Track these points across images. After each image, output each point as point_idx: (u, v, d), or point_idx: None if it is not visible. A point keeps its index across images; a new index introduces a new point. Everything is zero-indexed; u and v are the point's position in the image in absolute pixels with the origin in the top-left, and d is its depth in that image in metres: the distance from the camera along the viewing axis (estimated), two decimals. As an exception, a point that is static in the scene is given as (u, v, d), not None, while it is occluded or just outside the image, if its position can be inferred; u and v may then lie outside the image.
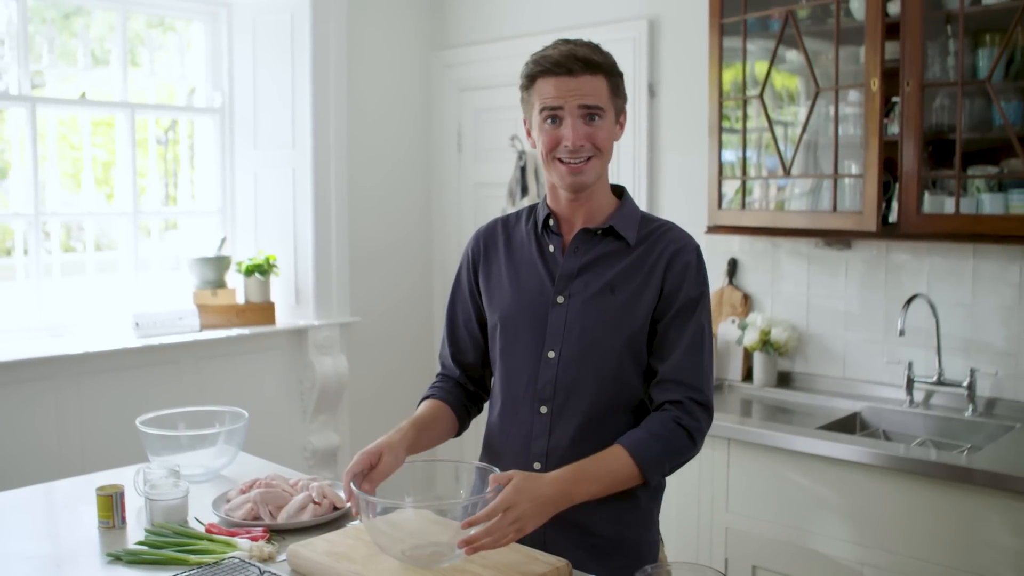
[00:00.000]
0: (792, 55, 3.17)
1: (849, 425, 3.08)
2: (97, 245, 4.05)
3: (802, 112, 3.14)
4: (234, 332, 3.87)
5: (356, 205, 4.26)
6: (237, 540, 1.85)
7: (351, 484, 1.68)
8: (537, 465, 1.86)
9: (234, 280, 4.07)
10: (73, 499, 2.24)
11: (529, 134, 1.88)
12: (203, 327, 3.86)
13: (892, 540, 2.60)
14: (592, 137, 1.79)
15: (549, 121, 1.80)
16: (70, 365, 3.44)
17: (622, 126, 1.88)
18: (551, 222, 1.91)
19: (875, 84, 2.84)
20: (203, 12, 4.12)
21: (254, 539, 1.85)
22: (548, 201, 1.93)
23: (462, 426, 2.05)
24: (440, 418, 1.98)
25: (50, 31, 3.70)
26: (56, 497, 2.29)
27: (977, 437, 2.90)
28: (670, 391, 1.80)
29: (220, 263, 4.00)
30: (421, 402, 2.02)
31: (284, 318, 4.12)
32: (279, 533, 1.92)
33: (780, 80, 3.24)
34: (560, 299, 1.86)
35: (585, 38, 1.84)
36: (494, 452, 1.96)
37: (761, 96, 3.17)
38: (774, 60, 3.14)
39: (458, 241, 4.54)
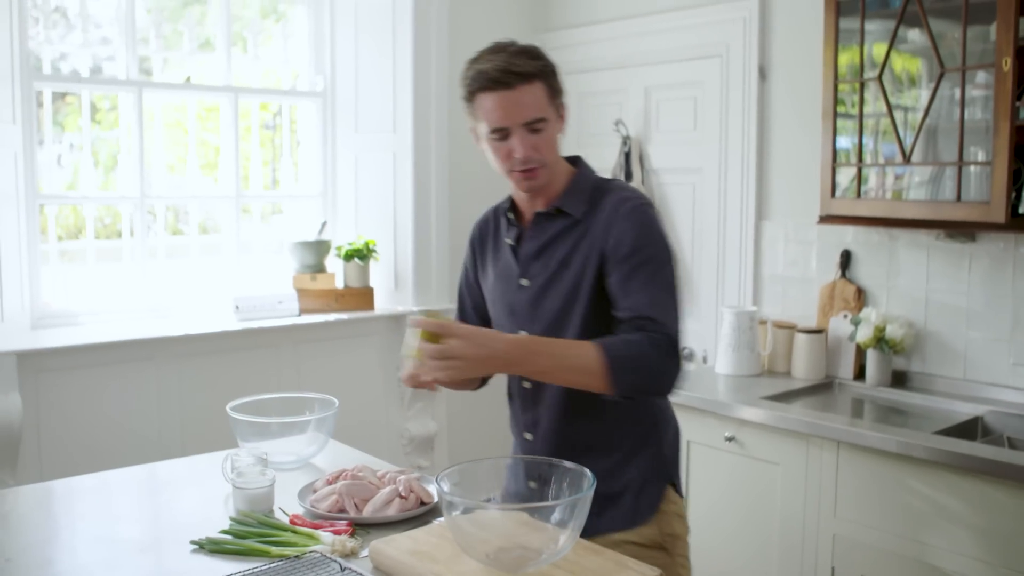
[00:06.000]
0: (914, 35, 2.97)
1: (970, 430, 2.89)
2: (203, 228, 4.09)
3: (924, 96, 2.95)
4: (332, 317, 3.86)
5: (457, 190, 4.21)
6: (320, 533, 1.80)
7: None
8: (528, 436, 2.04)
9: (334, 265, 4.07)
10: (168, 482, 2.25)
11: (476, 140, 2.00)
12: (302, 311, 3.87)
13: (1019, 558, 2.41)
14: (538, 147, 1.91)
15: (496, 136, 1.91)
16: (171, 347, 3.49)
17: (563, 118, 1.99)
18: (510, 215, 2.07)
19: (1007, 63, 2.64)
20: (307, -4, 4.12)
21: (337, 533, 1.81)
22: (512, 194, 2.08)
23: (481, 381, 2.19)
24: None
25: (157, 17, 3.75)
26: (152, 479, 2.30)
27: (1114, 447, 2.68)
28: (632, 326, 1.82)
29: (320, 247, 4.00)
30: None
31: (383, 303, 4.10)
32: (363, 527, 1.87)
33: (900, 62, 3.05)
34: (524, 282, 2.01)
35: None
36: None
37: (880, 79, 2.99)
38: (894, 40, 2.95)
39: (559, 228, 4.46)
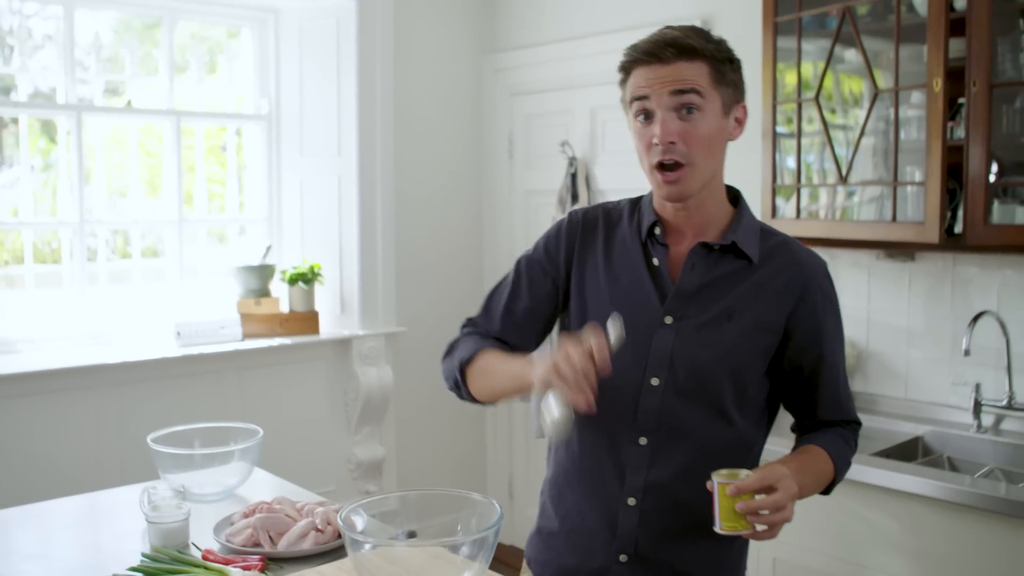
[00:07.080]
0: (850, 55, 2.98)
1: (911, 450, 2.88)
2: (153, 252, 4.02)
3: (862, 115, 2.95)
4: (276, 342, 3.80)
5: (404, 213, 4.18)
6: (231, 569, 1.75)
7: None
8: (632, 501, 1.65)
9: (279, 289, 4.02)
10: (93, 514, 2.20)
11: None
12: (246, 336, 3.81)
13: (953, 578, 2.40)
14: (686, 135, 1.55)
15: (641, 118, 1.58)
16: (109, 374, 3.42)
17: (740, 123, 1.66)
18: (657, 231, 1.67)
19: (938, 84, 2.64)
20: (251, 19, 4.08)
21: (248, 568, 1.76)
22: (654, 204, 1.69)
23: None
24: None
25: (99, 40, 3.70)
26: (77, 512, 2.23)
27: (1051, 466, 2.68)
28: (836, 425, 1.76)
29: (264, 272, 3.95)
30: (476, 353, 1.71)
31: (328, 328, 4.05)
32: (277, 561, 1.83)
33: (846, 82, 3.05)
34: (668, 320, 1.63)
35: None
36: (571, 481, 1.74)
37: (817, 98, 2.99)
38: (831, 60, 2.95)
39: (509, 249, 4.43)
